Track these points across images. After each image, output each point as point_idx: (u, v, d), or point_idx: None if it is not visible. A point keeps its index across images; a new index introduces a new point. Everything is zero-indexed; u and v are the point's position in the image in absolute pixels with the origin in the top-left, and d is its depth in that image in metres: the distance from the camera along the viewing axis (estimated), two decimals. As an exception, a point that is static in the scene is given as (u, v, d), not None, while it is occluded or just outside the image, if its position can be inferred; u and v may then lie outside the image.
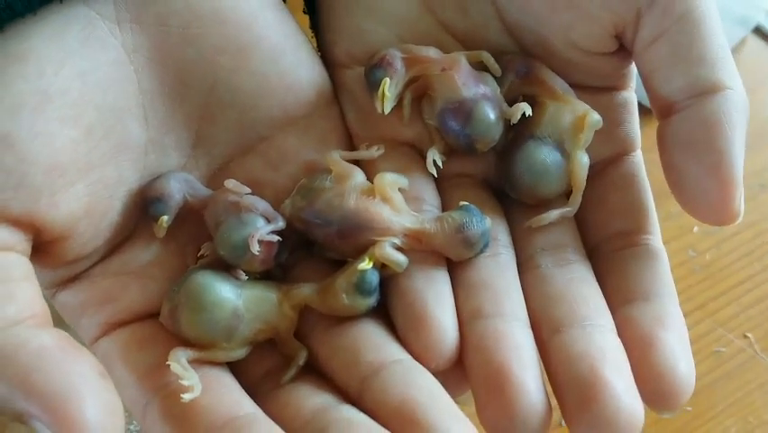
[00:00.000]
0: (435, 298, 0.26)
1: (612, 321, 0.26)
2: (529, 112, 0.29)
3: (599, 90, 0.31)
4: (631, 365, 0.24)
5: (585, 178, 0.29)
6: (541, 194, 0.30)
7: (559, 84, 0.30)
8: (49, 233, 0.25)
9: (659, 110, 0.28)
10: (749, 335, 0.43)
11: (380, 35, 0.30)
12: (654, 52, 0.28)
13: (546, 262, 0.28)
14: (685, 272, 0.45)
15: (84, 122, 0.25)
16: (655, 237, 0.29)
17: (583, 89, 0.30)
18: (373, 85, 0.29)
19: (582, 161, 0.29)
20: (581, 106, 0.30)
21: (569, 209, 0.29)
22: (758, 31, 0.54)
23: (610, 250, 0.29)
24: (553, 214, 0.29)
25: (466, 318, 0.26)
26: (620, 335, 0.26)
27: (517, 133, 0.30)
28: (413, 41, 0.30)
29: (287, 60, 0.29)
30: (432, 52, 0.30)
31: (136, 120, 0.27)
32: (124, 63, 0.26)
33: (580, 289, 0.27)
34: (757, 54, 0.55)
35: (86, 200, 0.26)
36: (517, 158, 0.30)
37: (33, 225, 0.25)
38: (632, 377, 0.24)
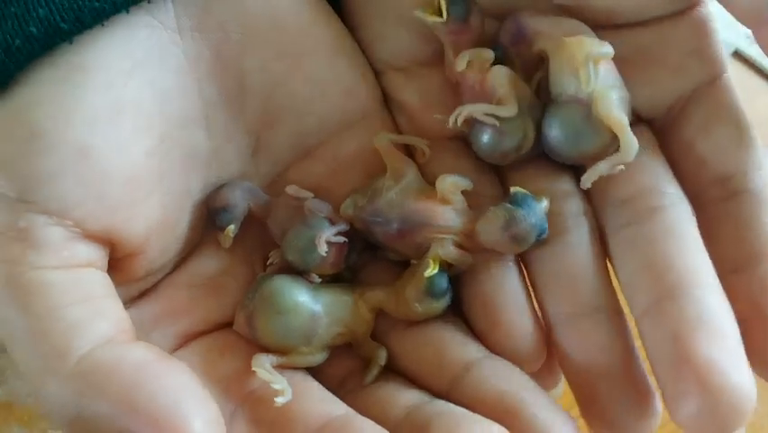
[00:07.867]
0: (507, 299, 0.26)
1: (718, 282, 0.24)
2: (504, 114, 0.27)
3: (674, 16, 0.27)
4: (744, 338, 0.23)
5: (621, 113, 0.26)
6: (587, 153, 0.26)
7: (555, 26, 0.27)
8: (124, 248, 0.25)
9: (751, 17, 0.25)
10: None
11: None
12: None
13: (627, 218, 0.25)
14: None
15: (155, 132, 0.25)
16: (760, 174, 0.26)
17: (659, 20, 0.27)
18: None
19: (607, 97, 0.26)
20: (574, 40, 0.26)
21: (619, 155, 0.26)
22: (737, 54, 0.56)
23: (708, 201, 0.26)
24: (602, 166, 0.26)
25: (550, 320, 0.25)
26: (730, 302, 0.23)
27: (547, 99, 0.28)
28: None
29: (342, 64, 0.29)
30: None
31: (201, 129, 0.27)
32: (187, 72, 0.26)
33: (673, 250, 0.24)
34: (736, 77, 0.57)
35: (159, 213, 0.26)
36: (547, 126, 0.27)
37: (110, 241, 0.24)
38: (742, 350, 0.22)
